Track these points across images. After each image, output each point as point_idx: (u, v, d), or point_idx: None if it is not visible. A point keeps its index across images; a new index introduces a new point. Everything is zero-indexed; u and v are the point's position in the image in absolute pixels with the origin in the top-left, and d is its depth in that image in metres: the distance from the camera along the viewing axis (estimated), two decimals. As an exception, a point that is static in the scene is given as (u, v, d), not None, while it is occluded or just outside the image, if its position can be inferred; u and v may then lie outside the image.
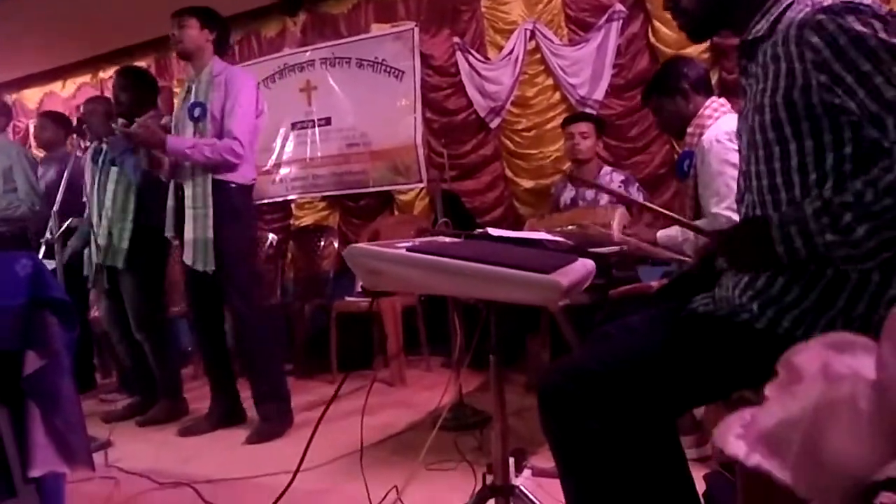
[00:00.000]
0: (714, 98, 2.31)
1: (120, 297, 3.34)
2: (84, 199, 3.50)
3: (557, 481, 1.16)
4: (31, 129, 6.03)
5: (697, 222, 2.07)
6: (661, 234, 2.31)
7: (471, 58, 4.51)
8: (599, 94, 4.16)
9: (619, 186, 3.23)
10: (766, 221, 1.05)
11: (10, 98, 6.60)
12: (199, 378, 4.01)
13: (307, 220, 5.21)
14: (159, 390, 3.40)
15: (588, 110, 4.05)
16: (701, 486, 1.66)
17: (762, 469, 0.42)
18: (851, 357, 0.44)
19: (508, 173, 4.50)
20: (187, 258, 2.92)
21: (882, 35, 0.98)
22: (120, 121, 3.18)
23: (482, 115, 4.50)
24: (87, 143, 3.54)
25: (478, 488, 1.61)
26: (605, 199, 3.21)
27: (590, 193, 3.28)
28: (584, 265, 1.39)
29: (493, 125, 4.49)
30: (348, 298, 4.09)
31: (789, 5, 1.12)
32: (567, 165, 3.74)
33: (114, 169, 3.28)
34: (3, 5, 4.64)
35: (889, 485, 0.38)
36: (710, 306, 1.20)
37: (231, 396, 3.19)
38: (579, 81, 4.20)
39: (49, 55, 5.98)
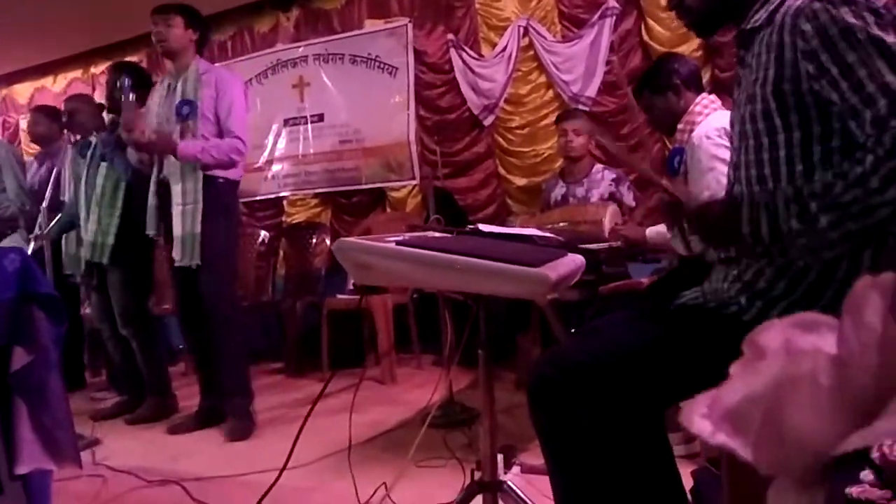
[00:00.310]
0: (704, 95, 2.31)
1: (108, 292, 3.33)
2: (63, 195, 3.49)
3: (546, 478, 1.16)
4: (22, 125, 6.02)
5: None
6: (651, 230, 2.32)
7: (464, 55, 4.50)
8: (592, 91, 4.16)
9: (611, 184, 3.23)
10: (738, 201, 1.06)
11: (0, 93, 6.57)
12: (189, 376, 4.00)
13: (299, 217, 5.19)
14: (147, 388, 3.38)
15: (581, 107, 4.05)
16: (689, 483, 1.66)
17: (727, 448, 0.42)
18: (816, 335, 0.44)
19: (501, 171, 4.50)
20: (176, 254, 2.91)
21: (873, 29, 0.98)
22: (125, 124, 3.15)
23: (476, 112, 4.49)
24: (77, 138, 3.52)
25: (466, 484, 1.60)
26: (595, 196, 3.21)
27: (580, 191, 3.28)
28: (573, 260, 1.39)
29: (486, 123, 4.48)
30: (340, 296, 4.08)
31: None
32: (559, 163, 3.74)
33: (103, 164, 3.26)
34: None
35: (849, 458, 0.38)
36: (699, 299, 1.20)
37: (220, 394, 3.18)
38: (572, 78, 4.20)
39: (40, 50, 5.94)
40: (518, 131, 4.42)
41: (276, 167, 5.19)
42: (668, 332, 1.12)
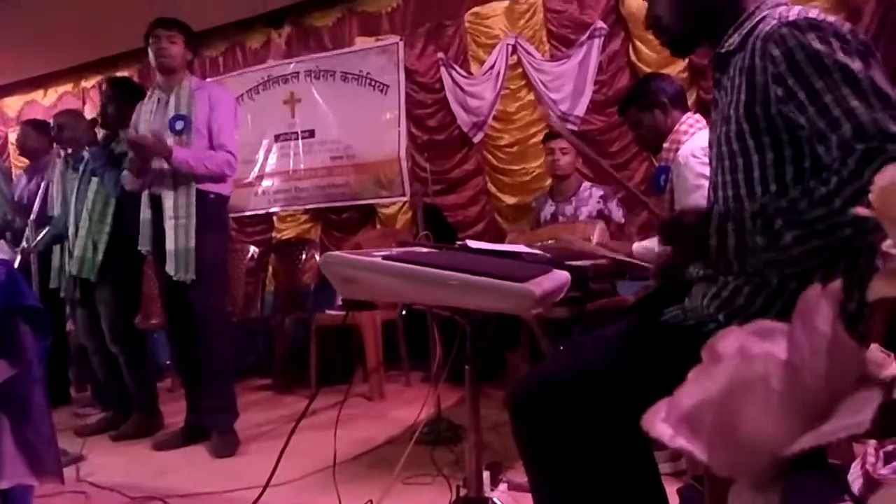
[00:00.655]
0: (690, 114, 2.35)
1: (95, 307, 3.31)
2: (51, 210, 3.47)
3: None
4: (12, 138, 6.00)
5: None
6: (637, 246, 2.34)
7: (454, 73, 4.54)
8: (580, 110, 4.20)
9: (599, 202, 3.26)
10: (708, 213, 1.09)
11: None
12: (176, 391, 3.96)
13: (289, 232, 5.19)
14: (134, 404, 3.34)
15: (569, 126, 4.09)
16: (675, 501, 1.67)
17: (686, 450, 0.43)
18: (770, 342, 0.45)
19: (491, 188, 4.53)
20: (170, 269, 2.89)
21: (839, 55, 1.00)
22: (130, 131, 3.14)
23: (465, 129, 4.52)
24: (68, 152, 3.51)
25: (452, 500, 1.60)
26: (584, 214, 3.23)
27: (569, 209, 3.30)
28: (558, 276, 1.40)
29: (475, 140, 4.51)
30: (329, 312, 4.07)
31: (762, 19, 1.15)
32: (549, 181, 3.77)
33: (94, 179, 3.25)
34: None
35: (802, 459, 0.40)
36: (679, 317, 1.22)
37: (204, 410, 3.15)
38: (560, 97, 4.24)
39: (30, 64, 5.94)
40: (507, 149, 4.46)
41: (266, 182, 5.19)
42: (648, 350, 1.13)
